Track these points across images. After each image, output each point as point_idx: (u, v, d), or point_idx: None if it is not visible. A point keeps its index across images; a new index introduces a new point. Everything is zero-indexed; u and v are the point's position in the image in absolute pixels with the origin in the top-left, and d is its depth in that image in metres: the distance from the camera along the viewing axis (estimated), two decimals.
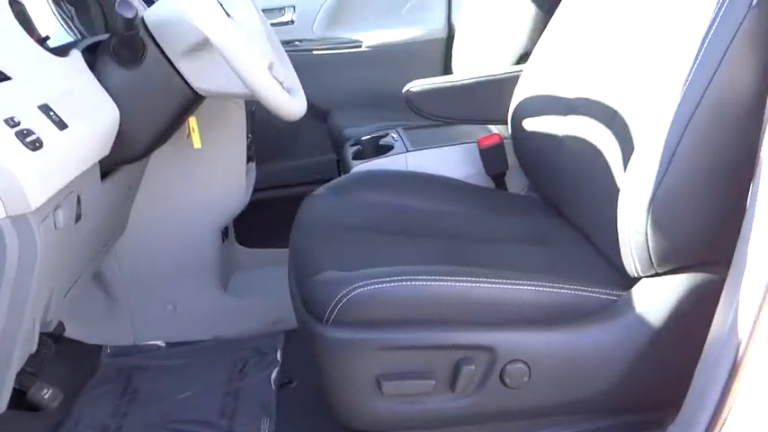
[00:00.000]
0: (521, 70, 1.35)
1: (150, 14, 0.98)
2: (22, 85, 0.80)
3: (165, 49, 0.97)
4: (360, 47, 2.29)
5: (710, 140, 0.84)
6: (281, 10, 2.30)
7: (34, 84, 0.82)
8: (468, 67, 1.96)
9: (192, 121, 1.20)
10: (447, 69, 2.26)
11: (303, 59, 2.30)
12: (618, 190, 0.96)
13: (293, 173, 2.33)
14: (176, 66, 0.99)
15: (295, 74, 1.21)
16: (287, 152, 2.35)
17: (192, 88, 1.02)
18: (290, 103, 0.99)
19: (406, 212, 1.24)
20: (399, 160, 1.49)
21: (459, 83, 1.46)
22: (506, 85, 1.36)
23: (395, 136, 1.60)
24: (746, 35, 0.80)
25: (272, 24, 2.30)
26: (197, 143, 1.22)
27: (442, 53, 2.29)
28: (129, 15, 0.89)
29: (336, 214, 1.22)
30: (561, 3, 1.31)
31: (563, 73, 1.24)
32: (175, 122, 1.08)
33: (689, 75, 0.84)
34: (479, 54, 1.84)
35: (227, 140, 1.39)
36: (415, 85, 1.43)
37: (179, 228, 1.42)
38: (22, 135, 0.73)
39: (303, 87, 2.31)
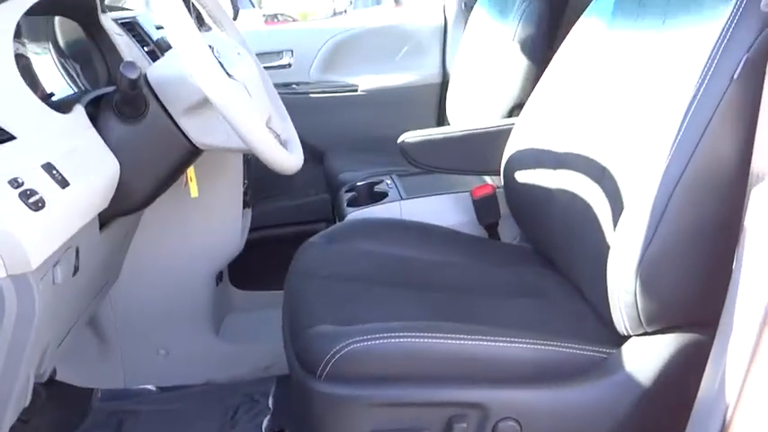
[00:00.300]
0: (513, 123, 1.38)
1: (153, 72, 1.01)
2: (27, 144, 0.81)
3: (166, 106, 1.00)
4: (356, 90, 2.34)
5: (696, 206, 0.87)
6: (279, 54, 2.36)
7: (38, 142, 0.84)
8: (462, 113, 2.00)
9: (191, 171, 1.22)
10: (441, 114, 2.31)
11: (300, 102, 2.35)
12: (608, 247, 0.98)
13: (289, 212, 2.35)
14: (177, 122, 1.01)
15: (292, 126, 1.23)
16: (283, 192, 2.38)
17: (192, 143, 1.04)
18: (287, 158, 1.02)
19: (399, 262, 1.25)
20: (393, 208, 1.51)
21: (453, 134, 1.49)
22: (499, 137, 1.39)
23: (389, 182, 1.62)
24: (729, 106, 0.83)
25: (270, 68, 2.36)
26: (194, 192, 1.23)
27: (436, 98, 2.35)
28: (133, 77, 0.92)
29: (331, 263, 1.23)
30: (554, 57, 1.35)
31: (554, 128, 1.27)
32: (175, 175, 1.10)
33: (675, 141, 0.87)
34: (473, 102, 1.88)
35: (224, 188, 1.41)
36: (410, 136, 1.46)
37: (173, 273, 1.43)
38: (26, 196, 0.74)
39: (300, 129, 2.35)
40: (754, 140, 0.81)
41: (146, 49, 1.36)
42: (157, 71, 1.01)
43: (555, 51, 1.35)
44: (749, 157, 0.82)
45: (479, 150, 1.44)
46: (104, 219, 1.03)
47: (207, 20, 1.28)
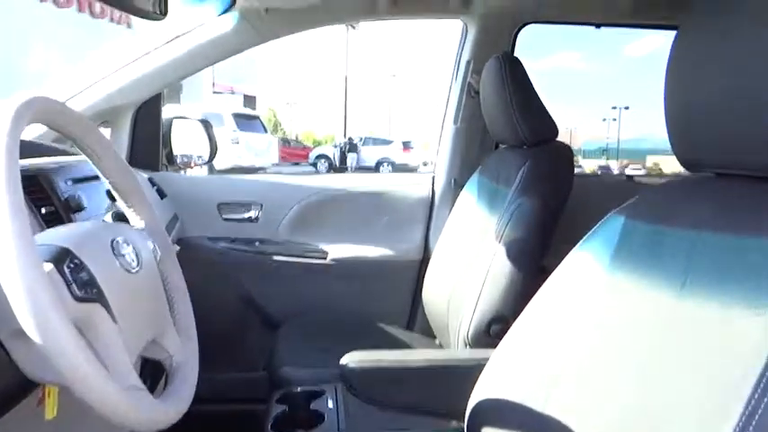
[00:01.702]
0: (486, 357, 1.09)
1: None
2: None
3: None
4: (324, 258, 2.08)
5: None
6: (246, 206, 2.13)
7: None
8: (437, 306, 1.72)
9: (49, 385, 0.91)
10: (417, 297, 2.03)
11: (262, 262, 2.08)
12: None
13: (224, 387, 2.02)
14: (5, 345, 0.72)
15: (195, 345, 0.94)
16: (227, 362, 2.04)
17: (24, 374, 0.74)
18: (147, 414, 0.71)
19: None
20: None
21: (412, 364, 1.18)
22: (469, 372, 1.09)
23: (331, 402, 1.30)
24: None
25: (235, 220, 2.12)
26: (50, 413, 0.91)
27: (414, 278, 2.08)
28: None
29: None
30: (546, 283, 1.07)
31: (537, 377, 0.97)
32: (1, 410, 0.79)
33: None
34: (451, 299, 1.60)
35: None
36: (356, 360, 1.14)
37: None
38: None
39: (258, 293, 2.03)
40: None
41: (44, 210, 1.08)
42: None
43: (549, 264, 1.09)
44: None
45: (443, 387, 1.13)
46: None
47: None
